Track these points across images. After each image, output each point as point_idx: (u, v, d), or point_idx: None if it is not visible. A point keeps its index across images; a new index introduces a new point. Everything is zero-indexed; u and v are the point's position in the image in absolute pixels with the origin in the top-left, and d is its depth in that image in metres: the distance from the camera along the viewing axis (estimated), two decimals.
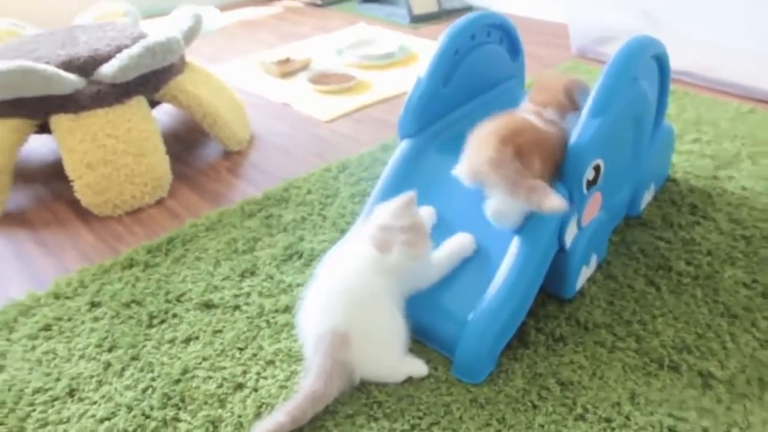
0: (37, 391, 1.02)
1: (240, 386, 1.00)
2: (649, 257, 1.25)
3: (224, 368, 1.04)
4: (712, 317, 1.10)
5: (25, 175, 1.73)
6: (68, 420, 0.97)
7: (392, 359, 0.99)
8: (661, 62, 1.29)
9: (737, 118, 1.80)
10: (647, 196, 1.39)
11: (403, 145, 1.27)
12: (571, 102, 1.14)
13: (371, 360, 0.97)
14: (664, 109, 1.38)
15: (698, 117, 1.82)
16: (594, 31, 2.31)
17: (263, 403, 0.97)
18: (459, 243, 1.10)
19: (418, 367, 1.00)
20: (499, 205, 1.04)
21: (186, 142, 1.86)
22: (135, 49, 1.53)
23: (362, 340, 0.95)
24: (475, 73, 1.37)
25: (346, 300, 0.97)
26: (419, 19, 2.89)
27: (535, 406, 0.95)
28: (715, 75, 2.01)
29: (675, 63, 2.05)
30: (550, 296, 1.15)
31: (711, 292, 1.15)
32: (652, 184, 1.40)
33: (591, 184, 1.09)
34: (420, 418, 0.93)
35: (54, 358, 1.08)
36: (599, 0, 2.37)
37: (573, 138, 1.07)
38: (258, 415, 0.95)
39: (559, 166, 1.06)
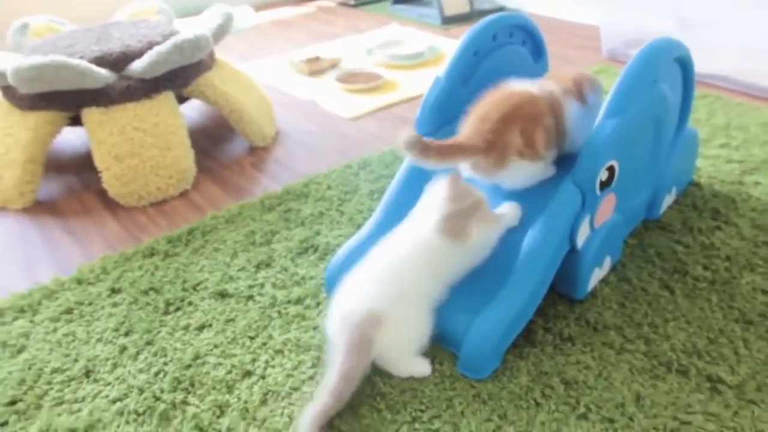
0: (55, 370, 1.06)
1: (248, 373, 1.03)
2: (666, 261, 1.23)
3: (234, 355, 1.06)
4: (726, 323, 1.08)
5: (58, 165, 1.79)
6: (83, 399, 1.00)
7: (408, 354, 1.01)
8: (685, 65, 1.27)
9: None
10: (668, 200, 1.37)
11: None
12: (577, 90, 1.14)
13: (389, 348, 0.98)
14: (688, 112, 1.36)
15: (728, 122, 1.78)
16: (625, 34, 2.29)
17: (269, 391, 0.99)
18: (505, 216, 1.11)
19: (422, 367, 1.01)
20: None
21: (213, 137, 1.90)
22: (164, 46, 1.57)
23: (391, 329, 0.97)
24: (496, 73, 1.37)
25: (391, 285, 0.99)
26: (451, 20, 2.89)
27: (537, 404, 0.95)
28: (750, 79, 1.97)
29: (708, 67, 2.04)
30: (561, 296, 1.15)
31: (727, 298, 1.13)
32: (674, 187, 1.38)
33: (604, 185, 1.09)
34: (422, 411, 0.94)
35: (73, 340, 1.12)
36: (632, 3, 2.35)
37: (588, 138, 1.06)
38: (264, 402, 0.97)
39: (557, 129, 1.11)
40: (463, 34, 1.32)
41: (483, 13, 2.94)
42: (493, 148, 1.06)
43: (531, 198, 1.13)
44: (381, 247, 1.06)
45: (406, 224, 1.08)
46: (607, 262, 1.18)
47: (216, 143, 1.87)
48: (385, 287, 0.99)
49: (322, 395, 0.92)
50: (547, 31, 2.71)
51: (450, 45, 2.56)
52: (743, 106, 1.87)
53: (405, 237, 1.06)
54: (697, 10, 2.19)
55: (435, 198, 1.05)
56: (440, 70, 1.29)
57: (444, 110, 1.28)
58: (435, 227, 1.02)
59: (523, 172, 1.12)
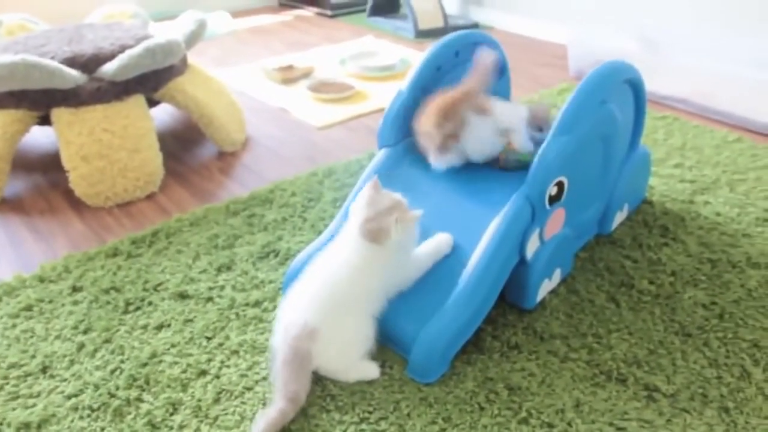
0: (12, 366, 1.08)
1: (203, 372, 1.05)
2: (614, 274, 1.28)
3: (191, 355, 1.09)
4: (666, 335, 1.13)
5: (26, 164, 1.80)
6: (38, 395, 1.02)
7: (350, 361, 1.04)
8: (636, 87, 1.33)
9: (723, 145, 1.83)
10: (619, 216, 1.42)
11: (380, 154, 1.32)
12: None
13: (331, 359, 1.02)
14: (640, 132, 1.42)
15: (684, 143, 1.85)
16: (593, 54, 2.35)
17: (223, 389, 1.02)
18: (438, 241, 1.15)
19: (370, 371, 1.05)
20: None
21: (182, 141, 1.92)
22: (136, 50, 1.59)
23: (329, 339, 1.00)
24: None
25: (325, 296, 1.02)
26: (424, 34, 2.95)
27: (482, 408, 0.99)
28: (709, 103, 2.05)
29: (670, 89, 2.11)
30: (510, 306, 1.19)
31: (669, 311, 1.18)
32: (626, 204, 1.44)
33: (554, 199, 1.14)
34: (370, 413, 0.98)
35: (31, 337, 1.14)
36: (599, 24, 2.42)
37: (537, 155, 1.11)
38: (217, 401, 1.00)
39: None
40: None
41: (456, 28, 3.00)
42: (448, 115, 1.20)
43: (487, 204, 1.17)
44: (318, 259, 1.10)
45: (339, 235, 1.12)
46: (557, 274, 1.23)
47: (185, 147, 1.89)
48: (320, 299, 1.02)
49: (278, 401, 0.95)
50: (518, 48, 2.78)
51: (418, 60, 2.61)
52: (699, 129, 1.94)
53: (336, 247, 1.10)
54: (661, 33, 2.28)
55: (358, 206, 1.08)
56: (403, 83, 1.33)
57: (405, 123, 1.32)
58: (357, 231, 1.06)
59: (480, 131, 1.23)
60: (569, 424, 0.96)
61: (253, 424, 0.94)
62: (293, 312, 1.03)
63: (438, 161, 1.24)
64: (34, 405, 1.00)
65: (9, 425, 0.96)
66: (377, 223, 1.04)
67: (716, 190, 1.59)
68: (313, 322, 1.00)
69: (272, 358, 1.03)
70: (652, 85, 1.38)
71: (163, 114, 2.09)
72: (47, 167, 1.77)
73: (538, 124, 1.28)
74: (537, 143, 1.25)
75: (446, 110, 1.21)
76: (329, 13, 3.39)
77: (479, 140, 1.25)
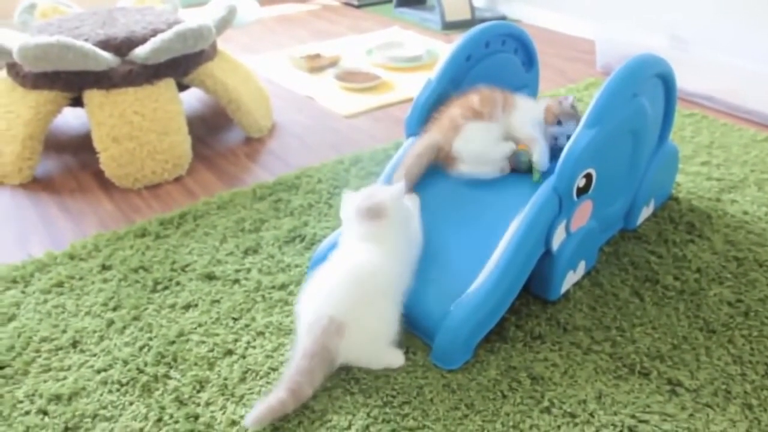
0: (43, 339, 1.10)
1: (230, 352, 1.07)
2: (639, 269, 1.28)
3: (217, 335, 1.11)
4: (690, 330, 1.13)
5: (57, 144, 1.83)
6: (69, 368, 1.05)
7: (379, 350, 1.05)
8: (667, 81, 1.32)
9: (751, 144, 1.81)
10: (645, 212, 1.42)
11: (408, 143, 1.32)
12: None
13: (358, 350, 1.03)
14: (670, 127, 1.41)
15: (712, 140, 1.84)
16: (620, 49, 2.34)
17: (249, 369, 1.03)
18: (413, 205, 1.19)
19: (395, 359, 1.05)
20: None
21: (210, 126, 1.95)
22: (167, 34, 1.61)
23: (356, 332, 1.00)
24: (487, 79, 1.41)
25: (351, 290, 1.01)
26: (451, 26, 2.94)
27: (504, 396, 0.99)
28: (737, 101, 2.02)
29: (698, 86, 2.09)
30: (535, 297, 1.19)
31: (693, 307, 1.18)
32: (652, 200, 1.43)
33: (582, 191, 1.14)
34: (393, 397, 0.99)
35: (62, 312, 1.17)
36: (627, 19, 2.40)
37: (567, 146, 1.11)
38: (243, 380, 1.02)
39: None
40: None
41: (484, 21, 2.99)
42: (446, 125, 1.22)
43: (511, 198, 1.17)
44: (331, 257, 1.10)
45: (341, 243, 1.13)
46: (582, 267, 1.23)
47: (213, 132, 1.91)
48: (343, 291, 1.02)
49: (280, 390, 0.95)
50: (545, 42, 2.77)
51: (448, 49, 2.60)
52: (727, 127, 1.92)
53: (344, 249, 1.10)
54: (691, 30, 2.25)
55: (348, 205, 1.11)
56: (433, 72, 1.34)
57: (433, 112, 1.32)
58: (357, 218, 1.08)
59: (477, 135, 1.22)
60: (591, 414, 0.96)
61: (251, 410, 0.94)
62: (316, 307, 1.02)
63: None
64: (65, 378, 1.03)
65: (41, 396, 0.99)
66: (371, 200, 1.07)
67: (744, 188, 1.57)
68: (339, 316, 0.99)
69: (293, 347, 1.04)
70: (680, 81, 1.37)
71: (192, 99, 2.11)
72: (78, 148, 1.80)
73: (555, 119, 1.26)
74: (555, 138, 1.25)
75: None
76: (356, 3, 3.39)
77: (474, 149, 1.23)
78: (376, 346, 1.04)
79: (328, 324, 0.99)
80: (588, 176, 1.13)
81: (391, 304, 1.05)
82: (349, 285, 1.02)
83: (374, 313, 1.02)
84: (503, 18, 3.09)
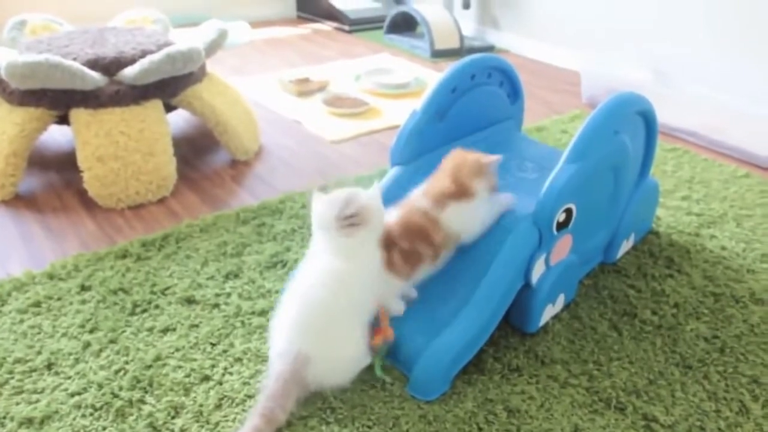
0: (18, 361, 1.09)
1: (206, 378, 1.06)
2: (617, 303, 1.29)
3: (194, 360, 1.10)
4: (666, 365, 1.14)
5: (41, 161, 1.82)
6: (42, 391, 1.03)
7: (349, 375, 1.05)
8: (648, 119, 1.34)
9: (731, 180, 1.84)
10: (625, 246, 1.43)
11: (392, 172, 1.33)
12: (459, 189, 1.16)
13: (329, 376, 1.03)
14: (650, 163, 1.43)
15: (693, 175, 1.86)
16: (605, 82, 2.38)
17: (225, 396, 1.03)
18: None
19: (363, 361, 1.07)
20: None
21: (197, 148, 1.95)
22: (157, 56, 1.62)
23: (325, 360, 1.01)
24: (472, 111, 1.44)
25: (316, 322, 1.01)
26: (440, 54, 2.98)
27: (480, 429, 0.99)
28: (719, 137, 2.06)
29: (681, 122, 2.13)
30: (513, 329, 1.20)
31: (670, 342, 1.19)
32: (632, 234, 1.45)
33: (562, 226, 1.15)
34: (369, 427, 0.98)
35: (38, 333, 1.15)
36: (613, 52, 2.45)
37: (548, 180, 1.13)
38: (219, 407, 1.01)
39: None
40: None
41: (472, 50, 3.03)
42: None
43: (491, 231, 1.18)
44: (297, 281, 1.08)
45: (307, 259, 1.11)
46: (561, 300, 1.24)
47: (199, 154, 1.91)
48: (310, 323, 1.01)
49: (254, 417, 0.94)
50: (533, 73, 2.81)
51: (436, 78, 2.63)
52: (708, 162, 1.95)
53: (309, 265, 1.09)
54: (675, 65, 2.30)
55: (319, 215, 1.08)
56: (418, 103, 1.35)
57: (418, 142, 1.34)
58: (331, 232, 1.04)
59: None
60: None
61: None
62: (285, 338, 1.01)
63: None
64: (38, 401, 1.01)
65: (12, 419, 0.98)
66: (353, 205, 1.04)
67: (723, 224, 1.59)
68: (306, 348, 0.99)
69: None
70: (663, 116, 1.40)
71: (179, 120, 2.12)
72: (62, 166, 1.80)
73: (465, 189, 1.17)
74: None
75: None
76: (347, 28, 3.43)
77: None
78: (346, 369, 1.04)
79: (296, 355, 0.99)
80: (568, 211, 1.15)
81: (359, 325, 1.05)
82: (314, 317, 1.01)
83: (341, 339, 1.03)
84: (491, 48, 3.13)
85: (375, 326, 1.07)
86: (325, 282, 1.03)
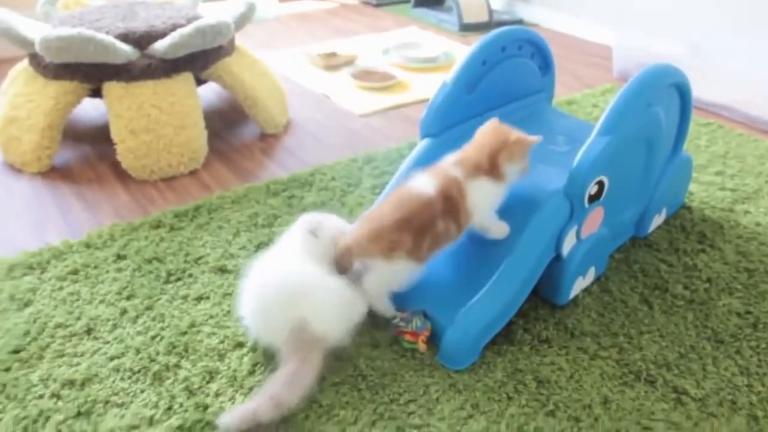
0: (58, 326, 1.12)
1: (240, 345, 1.09)
2: (648, 277, 1.28)
3: (228, 327, 1.12)
4: (698, 340, 1.13)
5: (75, 134, 1.86)
6: (82, 354, 1.07)
7: (347, 318, 1.07)
8: (683, 92, 1.32)
9: (766, 155, 1.81)
10: (657, 220, 1.42)
11: (422, 144, 1.33)
12: (491, 165, 1.12)
13: (330, 326, 1.04)
14: (684, 137, 1.41)
15: (727, 150, 1.83)
16: (637, 56, 2.33)
17: (257, 363, 1.05)
18: None
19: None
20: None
21: (226, 121, 1.96)
22: (187, 29, 1.63)
23: (320, 311, 1.03)
24: (502, 83, 1.43)
25: (295, 287, 1.04)
26: (468, 28, 2.94)
27: (509, 398, 1.00)
28: (755, 112, 2.02)
29: (715, 96, 2.09)
30: (543, 301, 1.20)
31: (702, 317, 1.18)
32: (664, 208, 1.43)
33: (593, 198, 1.14)
34: (399, 394, 1.00)
35: (77, 300, 1.19)
36: (646, 27, 2.40)
37: (579, 153, 1.12)
38: (252, 373, 1.03)
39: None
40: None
41: (501, 23, 2.99)
42: (393, 248, 1.07)
43: (521, 204, 1.18)
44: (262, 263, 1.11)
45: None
46: (591, 273, 1.24)
47: (229, 127, 1.93)
48: (293, 290, 1.04)
49: (262, 396, 0.94)
50: (563, 47, 2.77)
51: (464, 52, 2.61)
52: (743, 137, 1.91)
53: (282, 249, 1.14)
54: (710, 39, 2.24)
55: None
56: (449, 75, 1.35)
57: (448, 115, 1.33)
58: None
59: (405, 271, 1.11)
60: (596, 419, 0.97)
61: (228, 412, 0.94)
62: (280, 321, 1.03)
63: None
64: (78, 364, 1.05)
65: (55, 380, 1.01)
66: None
67: (757, 200, 1.57)
68: (299, 314, 1.01)
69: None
70: (697, 90, 1.37)
71: (210, 93, 2.13)
72: (95, 139, 1.83)
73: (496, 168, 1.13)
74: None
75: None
76: (374, 2, 3.40)
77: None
78: (344, 318, 1.06)
79: (294, 325, 1.01)
80: (600, 183, 1.14)
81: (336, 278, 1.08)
82: (297, 282, 1.05)
83: (328, 292, 1.05)
84: (520, 21, 3.09)
85: (416, 331, 1.08)
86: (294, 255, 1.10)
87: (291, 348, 1.00)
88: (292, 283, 1.05)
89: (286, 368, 0.97)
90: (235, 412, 0.92)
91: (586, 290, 1.24)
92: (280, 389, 0.95)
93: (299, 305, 1.02)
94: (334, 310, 1.04)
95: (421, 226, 1.07)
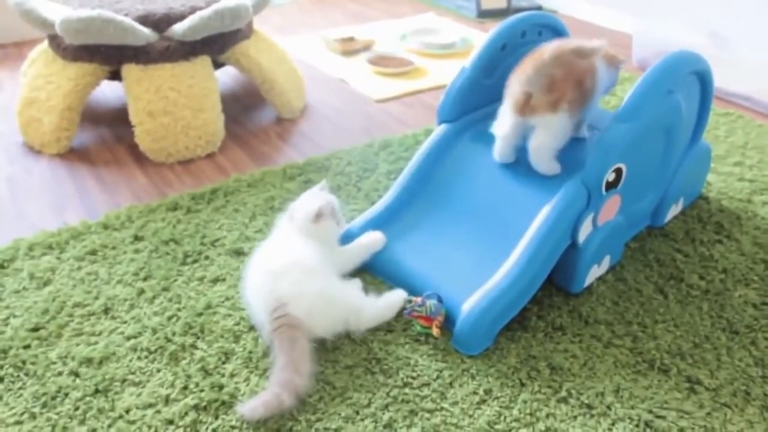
0: (77, 305, 1.14)
1: (254, 327, 1.10)
2: (664, 267, 1.28)
3: (243, 309, 1.13)
4: (712, 330, 1.13)
5: (94, 117, 1.87)
6: (100, 333, 1.08)
7: (353, 302, 1.09)
8: (704, 80, 1.30)
9: None
10: (674, 209, 1.41)
11: (439, 129, 1.33)
12: (610, 57, 1.27)
13: (322, 323, 1.06)
14: (704, 126, 1.40)
15: (746, 141, 1.81)
16: (657, 45, 2.31)
17: (272, 344, 1.06)
18: (369, 238, 1.22)
19: (396, 296, 1.11)
20: (540, 137, 1.17)
21: (243, 105, 1.97)
22: (206, 12, 1.63)
23: (309, 301, 1.04)
24: None
25: (293, 280, 1.06)
26: (487, 14, 2.92)
27: (522, 384, 1.01)
28: None
29: (736, 86, 2.06)
30: (558, 288, 1.20)
31: (717, 308, 1.18)
32: (682, 198, 1.42)
33: (611, 186, 1.14)
34: (413, 378, 1.01)
35: (95, 279, 1.20)
36: (666, 15, 2.37)
37: (598, 139, 1.11)
38: (266, 354, 1.04)
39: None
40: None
41: (520, 10, 2.96)
42: (553, 89, 1.13)
43: (540, 187, 1.17)
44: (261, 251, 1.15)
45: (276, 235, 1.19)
46: (606, 261, 1.23)
47: (246, 110, 1.93)
48: (282, 273, 1.06)
49: (277, 384, 0.95)
50: (581, 34, 2.73)
51: (482, 38, 2.59)
52: (763, 128, 1.89)
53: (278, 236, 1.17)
54: (731, 28, 2.21)
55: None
56: (467, 60, 1.34)
57: (466, 100, 1.33)
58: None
59: (557, 126, 1.16)
60: (608, 407, 0.97)
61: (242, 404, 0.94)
62: (264, 295, 1.05)
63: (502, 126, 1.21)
64: (96, 343, 1.06)
65: (73, 359, 1.03)
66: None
67: None
68: (294, 309, 1.03)
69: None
70: (717, 80, 1.35)
71: (227, 77, 2.14)
72: (114, 121, 1.84)
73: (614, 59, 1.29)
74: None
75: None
76: None
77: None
78: (335, 317, 1.07)
79: (288, 317, 1.02)
80: (618, 171, 1.13)
81: (333, 277, 1.12)
82: (295, 275, 1.06)
83: (316, 283, 1.06)
84: (539, 8, 3.06)
85: (430, 316, 1.08)
86: (289, 244, 1.12)
87: (276, 332, 1.01)
88: (278, 264, 1.07)
89: (284, 357, 0.98)
90: (256, 401, 0.93)
91: (601, 278, 1.23)
92: (291, 376, 0.96)
93: (280, 286, 1.04)
94: (313, 297, 1.04)
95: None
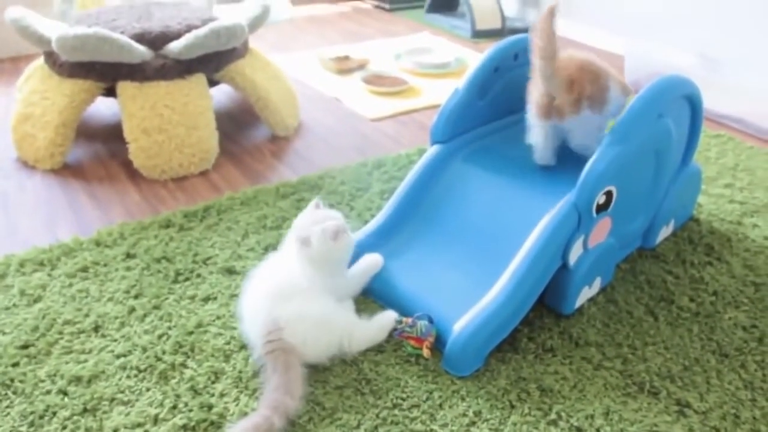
0: (67, 322, 1.14)
1: (245, 346, 1.10)
2: (654, 288, 1.28)
3: (234, 328, 1.13)
4: (702, 353, 1.13)
5: (88, 133, 1.88)
6: (90, 351, 1.08)
7: (347, 327, 1.08)
8: (694, 103, 1.32)
9: None
10: (665, 231, 1.42)
11: (432, 150, 1.34)
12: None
13: (314, 348, 1.05)
14: (694, 149, 1.41)
15: (737, 163, 1.83)
16: (649, 66, 2.33)
17: (263, 365, 1.06)
18: (368, 261, 1.21)
19: (386, 317, 1.11)
20: (577, 139, 1.25)
21: (238, 122, 1.98)
22: (202, 30, 1.64)
23: (305, 329, 1.04)
24: (514, 91, 1.43)
25: (282, 291, 1.06)
26: (481, 35, 2.95)
27: (512, 406, 1.01)
28: (764, 124, 2.01)
29: (727, 108, 2.08)
30: (549, 310, 1.20)
31: (707, 330, 1.18)
32: (672, 220, 1.43)
33: (601, 208, 1.14)
34: (403, 399, 1.00)
35: (86, 297, 1.20)
36: (658, 37, 2.40)
37: (588, 163, 1.12)
38: (257, 375, 1.04)
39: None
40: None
41: (514, 31, 3.00)
42: (572, 87, 1.20)
43: (532, 210, 1.18)
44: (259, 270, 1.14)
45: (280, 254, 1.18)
46: (597, 283, 1.24)
47: (240, 128, 1.94)
48: (277, 295, 1.06)
49: (267, 407, 0.94)
50: None
51: (477, 59, 2.62)
52: (753, 150, 1.91)
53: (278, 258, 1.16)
54: (721, 50, 2.24)
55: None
56: (460, 81, 1.35)
57: (459, 121, 1.34)
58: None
59: (588, 123, 1.22)
60: (598, 430, 0.97)
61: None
62: (264, 326, 1.04)
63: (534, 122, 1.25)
64: (86, 361, 1.06)
65: (62, 377, 1.02)
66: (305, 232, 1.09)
67: (766, 213, 1.56)
68: (289, 333, 1.02)
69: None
70: (708, 102, 1.37)
71: (222, 95, 2.15)
72: (108, 138, 1.85)
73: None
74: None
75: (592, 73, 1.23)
76: (387, 6, 3.41)
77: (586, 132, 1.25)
78: (329, 344, 1.07)
79: (283, 340, 1.02)
80: (608, 193, 1.14)
81: (331, 302, 1.10)
82: (292, 300, 1.06)
83: (309, 307, 1.06)
84: None
85: (421, 337, 1.08)
86: (292, 268, 1.10)
87: (269, 355, 1.01)
88: (278, 287, 1.07)
89: (277, 378, 0.98)
90: (246, 423, 0.92)
91: (592, 300, 1.24)
92: (282, 398, 0.95)
93: (278, 310, 1.03)
94: (309, 326, 1.04)
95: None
